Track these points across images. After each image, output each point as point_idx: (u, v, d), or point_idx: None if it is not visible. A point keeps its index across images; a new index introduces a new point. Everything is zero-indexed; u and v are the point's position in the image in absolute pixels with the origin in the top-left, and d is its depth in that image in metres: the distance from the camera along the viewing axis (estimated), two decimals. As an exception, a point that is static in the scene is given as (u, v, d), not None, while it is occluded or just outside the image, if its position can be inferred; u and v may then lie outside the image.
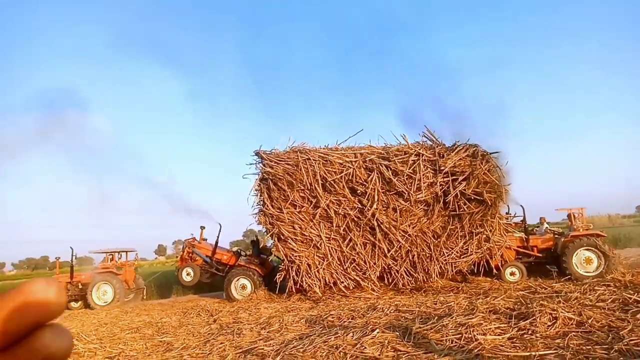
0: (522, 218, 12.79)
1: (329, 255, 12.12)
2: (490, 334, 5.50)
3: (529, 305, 6.28)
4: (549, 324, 5.60)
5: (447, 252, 11.68)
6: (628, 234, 20.68)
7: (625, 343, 4.69)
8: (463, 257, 11.62)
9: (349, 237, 12.11)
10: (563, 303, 6.28)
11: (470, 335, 5.51)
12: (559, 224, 16.71)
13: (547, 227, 13.73)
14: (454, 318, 6.22)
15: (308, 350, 5.72)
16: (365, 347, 5.58)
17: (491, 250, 11.72)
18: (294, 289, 12.30)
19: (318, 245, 12.22)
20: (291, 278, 12.17)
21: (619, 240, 19.62)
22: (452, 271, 11.88)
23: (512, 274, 12.05)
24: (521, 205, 12.72)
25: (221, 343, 6.96)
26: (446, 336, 5.62)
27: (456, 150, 11.79)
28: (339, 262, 12.14)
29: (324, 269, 12.08)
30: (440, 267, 11.71)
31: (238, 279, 13.53)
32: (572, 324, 5.57)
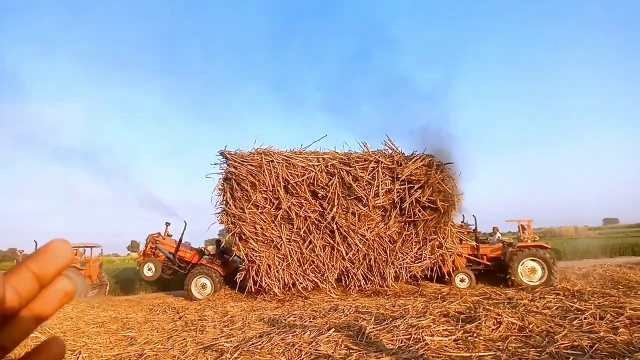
0: (474, 227, 13.28)
1: (289, 256, 12.35)
2: (437, 336, 5.85)
3: (477, 310, 6.66)
4: (493, 327, 5.98)
5: (402, 257, 12.06)
6: (587, 246, 21.59)
7: (557, 346, 5.08)
8: (417, 262, 12.03)
9: (309, 239, 12.37)
10: (508, 309, 6.68)
11: (418, 336, 5.83)
12: (515, 234, 17.36)
13: (499, 237, 14.35)
14: (406, 320, 6.56)
15: (266, 348, 5.95)
16: (320, 345, 5.85)
17: (444, 257, 12.14)
18: (253, 289, 12.46)
19: (278, 246, 12.44)
20: (251, 278, 12.33)
21: (577, 251, 20.51)
22: (407, 276, 12.24)
23: (462, 280, 12.51)
24: (473, 215, 13.26)
25: (184, 339, 7.14)
26: (396, 336, 5.94)
27: (413, 160, 12.21)
28: (298, 264, 12.38)
29: (283, 269, 12.31)
30: (396, 271, 12.07)
31: (199, 278, 13.62)
32: (514, 329, 5.95)
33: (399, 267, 12.05)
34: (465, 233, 13.45)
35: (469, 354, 5.11)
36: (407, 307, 8.13)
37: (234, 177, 12.58)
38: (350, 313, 8.13)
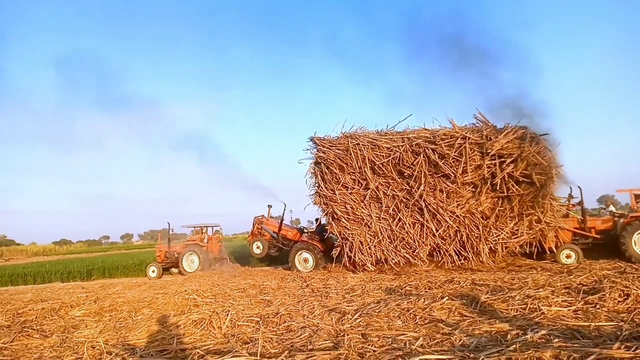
0: (579, 199, 12.29)
1: (379, 234, 12.57)
2: (555, 306, 5.76)
3: (602, 282, 6.36)
4: (620, 299, 5.71)
5: (496, 233, 11.69)
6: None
7: (692, 320, 4.73)
8: (514, 238, 11.58)
9: (398, 217, 12.49)
10: (639, 281, 6.25)
11: (535, 306, 5.79)
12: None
13: (612, 211, 12.95)
14: (524, 291, 6.53)
15: (382, 311, 6.40)
16: (434, 311, 6.12)
17: (543, 232, 11.53)
18: (347, 264, 12.93)
19: (369, 224, 12.71)
20: (345, 254, 12.84)
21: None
22: (503, 251, 11.88)
23: (567, 256, 11.73)
24: (578, 187, 12.27)
25: (311, 302, 7.94)
26: (512, 306, 5.95)
27: (504, 133, 11.59)
28: (389, 240, 12.55)
29: (375, 246, 12.57)
30: (491, 247, 11.75)
31: (301, 253, 14.56)
32: (644, 301, 5.62)
33: (494, 242, 11.71)
34: (570, 206, 12.60)
35: (587, 324, 5.02)
36: (527, 280, 8.00)
37: (323, 161, 13.13)
38: (466, 285, 8.20)
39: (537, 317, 5.41)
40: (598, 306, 5.56)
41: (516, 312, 5.74)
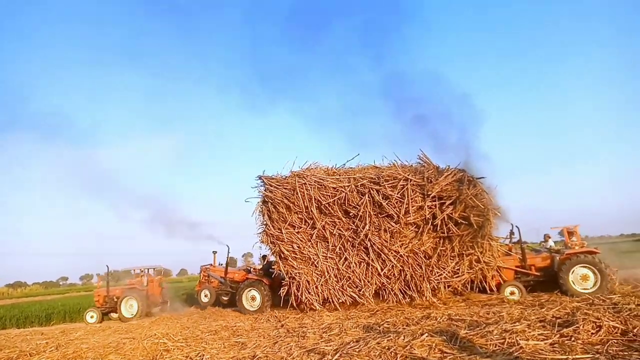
0: (518, 238, 12.72)
1: (326, 273, 12.51)
2: (532, 340, 5.78)
3: (575, 315, 6.51)
4: (593, 331, 5.79)
5: (438, 272, 11.84)
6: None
7: (664, 350, 4.86)
8: (455, 277, 11.77)
9: (344, 256, 12.49)
10: (610, 313, 6.43)
11: (513, 340, 5.77)
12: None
13: (551, 245, 13.52)
14: (500, 325, 6.55)
15: (363, 351, 6.23)
16: (414, 349, 6.00)
17: (483, 271, 11.81)
18: (294, 304, 12.70)
19: (316, 263, 12.63)
20: (292, 293, 12.64)
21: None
22: (446, 290, 12.05)
23: (511, 292, 11.99)
24: (516, 226, 12.70)
25: (288, 344, 7.73)
26: (490, 341, 5.91)
27: (444, 175, 11.93)
28: (336, 279, 12.47)
29: (322, 285, 12.45)
30: (433, 286, 11.89)
31: (249, 291, 14.34)
32: (616, 333, 5.70)
33: (436, 282, 11.84)
34: (511, 245, 13.01)
35: (565, 357, 5.07)
36: (501, 314, 8.06)
37: (270, 200, 13.04)
38: (443, 320, 8.14)
39: (516, 351, 5.38)
40: (573, 339, 5.60)
41: (495, 347, 5.70)
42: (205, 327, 10.75)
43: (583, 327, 5.84)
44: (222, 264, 16.36)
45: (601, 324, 5.87)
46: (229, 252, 15.92)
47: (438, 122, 14.71)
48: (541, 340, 5.68)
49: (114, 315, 16.78)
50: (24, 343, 10.19)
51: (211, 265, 16.73)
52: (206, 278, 16.52)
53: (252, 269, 16.24)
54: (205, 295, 15.70)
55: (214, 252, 16.68)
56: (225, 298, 15.83)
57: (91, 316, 16.18)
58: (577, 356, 4.97)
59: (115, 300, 16.38)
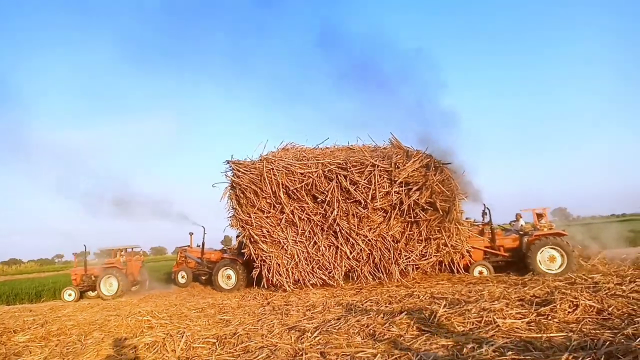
0: (489, 219, 12.95)
1: (296, 256, 12.50)
2: (510, 318, 5.83)
3: (554, 294, 6.56)
4: (569, 310, 5.86)
5: (406, 255, 11.94)
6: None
7: (635, 328, 4.91)
8: (423, 260, 11.91)
9: (314, 240, 12.48)
10: (588, 292, 6.49)
11: (490, 319, 5.83)
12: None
13: (522, 225, 13.64)
14: (480, 304, 6.60)
15: (342, 328, 6.30)
16: (393, 327, 6.09)
17: (450, 254, 12.00)
18: (266, 285, 12.63)
19: (285, 247, 12.58)
20: (264, 275, 12.59)
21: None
22: (414, 272, 12.17)
23: (480, 272, 12.29)
24: (487, 207, 12.95)
25: (271, 321, 7.74)
26: (468, 319, 5.97)
27: (411, 161, 11.90)
28: (306, 263, 12.49)
29: (292, 267, 12.45)
30: (401, 269, 12.00)
31: (225, 269, 14.52)
32: (592, 311, 5.77)
33: (405, 264, 11.94)
34: (481, 225, 13.19)
35: (539, 335, 5.12)
36: (483, 292, 8.12)
37: (237, 185, 12.87)
38: (425, 298, 8.21)
39: (492, 329, 5.46)
40: (549, 317, 5.64)
41: (472, 325, 5.73)
42: (192, 304, 10.79)
43: (560, 306, 5.89)
44: (199, 245, 16.28)
45: (578, 303, 5.92)
46: (204, 233, 16.01)
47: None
48: (518, 319, 5.73)
49: (91, 293, 16.76)
50: (10, 320, 10.11)
51: (188, 246, 16.74)
52: (183, 259, 16.66)
53: (227, 249, 16.23)
54: (182, 277, 15.96)
55: (191, 233, 16.76)
56: (203, 278, 15.98)
57: (69, 294, 16.15)
58: (551, 334, 5.00)
59: (94, 279, 16.31)
